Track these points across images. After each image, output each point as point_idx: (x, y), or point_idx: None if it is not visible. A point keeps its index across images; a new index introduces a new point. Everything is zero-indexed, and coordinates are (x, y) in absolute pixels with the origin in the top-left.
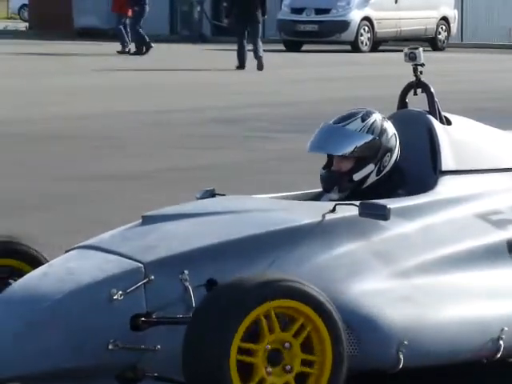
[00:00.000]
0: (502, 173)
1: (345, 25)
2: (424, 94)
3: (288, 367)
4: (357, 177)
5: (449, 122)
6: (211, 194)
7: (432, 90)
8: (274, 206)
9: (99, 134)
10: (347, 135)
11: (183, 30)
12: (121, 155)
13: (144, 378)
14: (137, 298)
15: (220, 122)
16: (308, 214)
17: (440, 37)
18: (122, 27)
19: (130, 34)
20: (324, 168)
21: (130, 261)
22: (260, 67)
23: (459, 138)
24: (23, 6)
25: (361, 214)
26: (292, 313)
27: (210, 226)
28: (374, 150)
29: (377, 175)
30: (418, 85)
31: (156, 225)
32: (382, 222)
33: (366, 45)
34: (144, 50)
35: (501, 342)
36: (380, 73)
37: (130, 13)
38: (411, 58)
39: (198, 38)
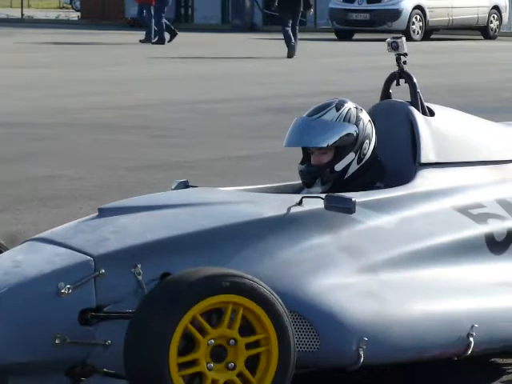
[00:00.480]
0: (487, 166)
1: (396, 13)
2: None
3: (231, 365)
4: (338, 167)
5: (432, 113)
6: (185, 185)
7: (415, 80)
8: (238, 199)
9: (152, 123)
10: (326, 126)
11: (235, 19)
12: (171, 144)
13: (94, 374)
14: (86, 292)
15: (270, 111)
16: (273, 206)
17: (492, 26)
18: (145, 16)
19: (153, 23)
20: (302, 163)
21: (80, 254)
22: (291, 55)
23: (442, 129)
24: None
25: (326, 206)
26: (253, 320)
27: (166, 218)
28: (353, 139)
29: (358, 163)
30: (400, 75)
31: (111, 217)
32: (354, 215)
33: (418, 33)
34: (169, 38)
35: (471, 339)
36: (432, 62)
37: (153, 2)
38: (393, 47)
39: (249, 27)
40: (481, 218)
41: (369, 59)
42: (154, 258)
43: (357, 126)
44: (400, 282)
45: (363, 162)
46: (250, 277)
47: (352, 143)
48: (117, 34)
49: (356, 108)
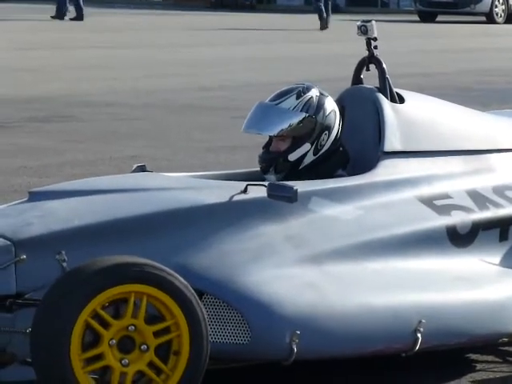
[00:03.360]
0: (460, 156)
1: None
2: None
3: (144, 347)
4: (292, 157)
5: (402, 100)
6: (141, 169)
7: (384, 65)
8: (180, 185)
9: (232, 104)
10: (279, 114)
11: (317, 1)
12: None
13: (14, 362)
14: (5, 278)
15: None
16: (215, 193)
17: None
18: None
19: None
20: (263, 148)
21: (0, 239)
22: (323, 27)
23: (410, 116)
24: None
25: (268, 195)
26: (160, 307)
27: (98, 204)
28: (309, 129)
29: (314, 155)
30: (370, 60)
31: (40, 202)
32: (306, 204)
33: (501, 16)
34: (73, 16)
35: (418, 335)
36: None
37: None
38: (363, 31)
39: (333, 9)
40: (444, 210)
41: (452, 41)
42: (79, 245)
43: (315, 116)
44: (346, 274)
45: (320, 153)
46: (151, 263)
47: (308, 133)
48: (200, 15)
49: (320, 96)
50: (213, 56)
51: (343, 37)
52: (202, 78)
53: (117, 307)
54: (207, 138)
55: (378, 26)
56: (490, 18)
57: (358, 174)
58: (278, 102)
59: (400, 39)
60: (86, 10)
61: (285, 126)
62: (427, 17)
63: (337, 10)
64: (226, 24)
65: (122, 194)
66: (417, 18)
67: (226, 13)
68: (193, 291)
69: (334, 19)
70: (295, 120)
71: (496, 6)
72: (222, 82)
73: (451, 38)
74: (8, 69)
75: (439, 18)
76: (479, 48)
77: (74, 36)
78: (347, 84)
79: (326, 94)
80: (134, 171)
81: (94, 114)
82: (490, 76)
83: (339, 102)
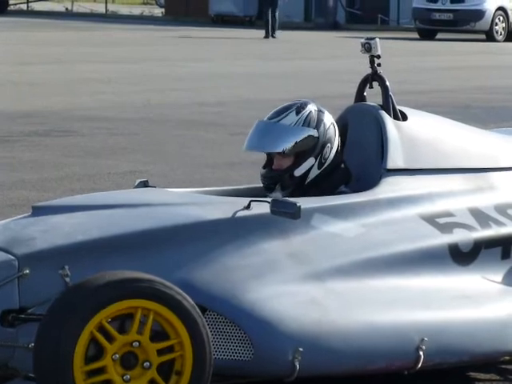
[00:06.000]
0: (463, 174)
1: (480, 14)
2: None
3: (146, 364)
4: (298, 172)
5: (405, 118)
6: (144, 185)
7: (387, 83)
8: (183, 201)
9: (234, 121)
10: (284, 131)
11: (317, 18)
12: None
13: (16, 377)
14: (8, 293)
15: None
16: (218, 209)
17: None
18: None
19: None
20: (264, 167)
21: (3, 253)
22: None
23: (413, 134)
24: None
25: (271, 211)
26: (166, 325)
27: (102, 219)
28: (313, 143)
29: (318, 168)
30: (373, 77)
31: (44, 216)
32: (309, 221)
33: (501, 34)
34: None
35: (420, 353)
36: None
37: None
38: (367, 48)
39: (332, 26)
40: (446, 228)
41: (451, 59)
42: (82, 260)
43: (317, 129)
44: (348, 291)
45: (324, 166)
46: (160, 281)
47: (312, 148)
48: (200, 30)
49: (318, 111)
50: (212, 71)
51: (343, 53)
52: (201, 93)
53: (123, 322)
54: (205, 153)
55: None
56: (490, 36)
57: (360, 191)
58: (278, 119)
59: (399, 56)
60: (86, 25)
61: (292, 142)
62: (427, 34)
63: (337, 26)
64: (226, 39)
65: (125, 209)
66: (416, 36)
67: (225, 28)
68: (200, 313)
69: (334, 36)
70: (300, 135)
71: (496, 24)
72: (221, 98)
73: (451, 56)
74: (8, 82)
75: (439, 35)
76: (479, 66)
77: (74, 50)
78: (345, 101)
79: (323, 109)
80: (137, 186)
81: (93, 128)
82: (489, 94)
83: (342, 118)
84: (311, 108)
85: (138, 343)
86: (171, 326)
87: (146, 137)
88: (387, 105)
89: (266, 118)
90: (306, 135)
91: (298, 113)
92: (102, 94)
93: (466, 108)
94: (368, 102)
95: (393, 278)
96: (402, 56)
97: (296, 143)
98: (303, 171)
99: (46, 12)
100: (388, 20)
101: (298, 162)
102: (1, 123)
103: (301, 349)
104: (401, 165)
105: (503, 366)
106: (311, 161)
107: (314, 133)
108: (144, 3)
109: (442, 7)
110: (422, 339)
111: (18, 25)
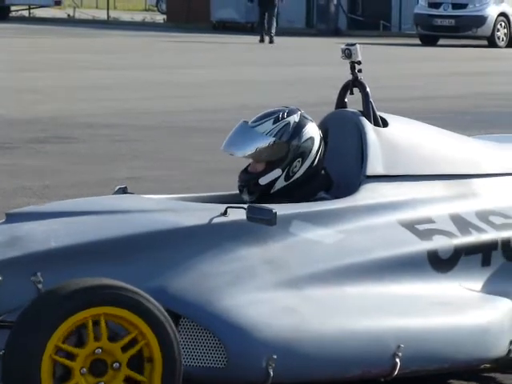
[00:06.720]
0: (444, 180)
1: (482, 20)
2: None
3: (116, 365)
4: (263, 181)
5: (385, 124)
6: (123, 191)
7: (368, 89)
8: (160, 207)
9: (230, 126)
10: (249, 137)
11: (319, 24)
12: None
13: None
14: None
15: None
16: (195, 216)
17: None
18: None
19: None
20: (244, 168)
21: None
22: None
23: (393, 141)
24: None
25: (248, 218)
26: (120, 322)
27: (76, 226)
28: (282, 155)
29: (286, 180)
30: (354, 83)
31: (17, 223)
32: (287, 228)
33: (503, 40)
34: None
35: (397, 360)
36: None
37: None
38: (347, 54)
39: (334, 32)
40: (426, 234)
41: (453, 64)
42: (56, 267)
43: (289, 142)
44: (325, 298)
45: (292, 179)
46: (98, 282)
47: (280, 159)
48: (201, 36)
49: (299, 122)
50: (211, 78)
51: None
52: (201, 99)
53: (78, 335)
54: (205, 159)
55: (380, 50)
56: (491, 42)
57: (340, 198)
58: (256, 124)
59: (401, 62)
60: (88, 31)
61: (252, 148)
62: (429, 40)
63: (338, 33)
64: (226, 46)
65: (100, 215)
66: (418, 42)
67: (227, 35)
68: (160, 307)
69: (336, 42)
70: (262, 144)
71: (498, 30)
72: (221, 105)
73: (452, 62)
74: (9, 89)
75: (441, 41)
76: (480, 72)
77: (74, 57)
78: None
79: (310, 120)
80: (116, 193)
81: (93, 135)
82: (489, 100)
83: (323, 125)
84: (292, 119)
85: (100, 349)
86: (127, 321)
87: (146, 143)
88: (368, 111)
89: (250, 121)
90: (269, 145)
91: (275, 122)
92: (103, 101)
93: (467, 114)
94: (348, 109)
95: (371, 284)
96: (404, 62)
97: (257, 150)
98: (268, 181)
99: (47, 18)
100: (390, 26)
101: (264, 171)
102: (2, 130)
103: (275, 356)
104: (381, 171)
105: (485, 374)
106: (277, 172)
107: (283, 144)
108: (146, 10)
109: (444, 13)
110: (399, 346)
111: (20, 31)
